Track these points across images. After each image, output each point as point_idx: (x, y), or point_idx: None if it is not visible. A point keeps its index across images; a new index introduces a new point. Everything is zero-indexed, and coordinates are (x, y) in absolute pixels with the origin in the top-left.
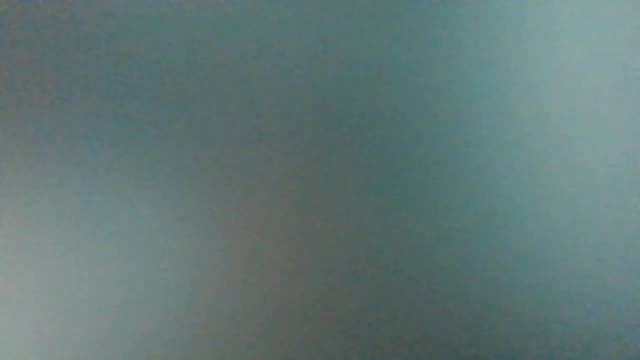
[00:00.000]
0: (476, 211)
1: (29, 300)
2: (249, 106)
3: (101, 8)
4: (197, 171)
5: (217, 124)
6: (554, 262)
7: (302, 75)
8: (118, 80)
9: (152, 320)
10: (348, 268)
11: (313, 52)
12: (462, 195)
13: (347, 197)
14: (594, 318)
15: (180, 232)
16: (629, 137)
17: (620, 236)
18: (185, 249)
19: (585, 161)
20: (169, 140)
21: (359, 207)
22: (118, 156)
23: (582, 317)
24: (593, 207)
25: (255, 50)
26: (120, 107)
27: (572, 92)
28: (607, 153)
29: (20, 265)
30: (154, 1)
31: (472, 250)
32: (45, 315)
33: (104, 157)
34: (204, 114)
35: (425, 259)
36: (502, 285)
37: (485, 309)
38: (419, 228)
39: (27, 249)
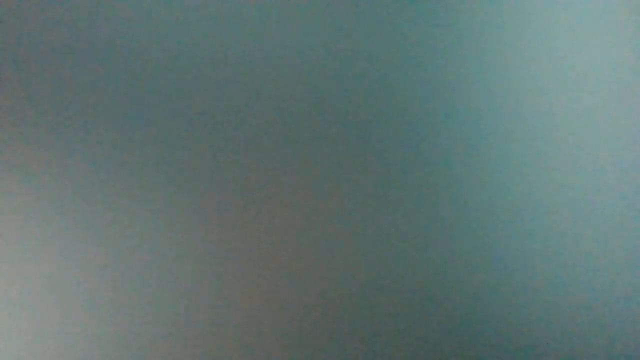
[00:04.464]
0: (477, 211)
1: (28, 300)
2: (249, 107)
3: (101, 8)
4: (197, 172)
5: (216, 125)
6: (555, 263)
7: (302, 75)
8: (119, 82)
9: (152, 321)
10: (348, 269)
11: (314, 53)
12: (463, 195)
13: (348, 198)
14: (594, 318)
15: (180, 233)
16: (629, 137)
17: (620, 236)
18: (185, 251)
19: (586, 161)
20: (170, 140)
21: (359, 207)
22: (118, 157)
23: (582, 317)
24: (593, 206)
25: (258, 50)
26: (121, 108)
27: (572, 92)
28: (607, 153)
29: (20, 266)
30: (153, 1)
31: (473, 250)
32: (45, 315)
33: (103, 157)
34: (205, 114)
35: (426, 259)
36: (502, 285)
37: (486, 308)
38: (419, 228)
39: (27, 249)
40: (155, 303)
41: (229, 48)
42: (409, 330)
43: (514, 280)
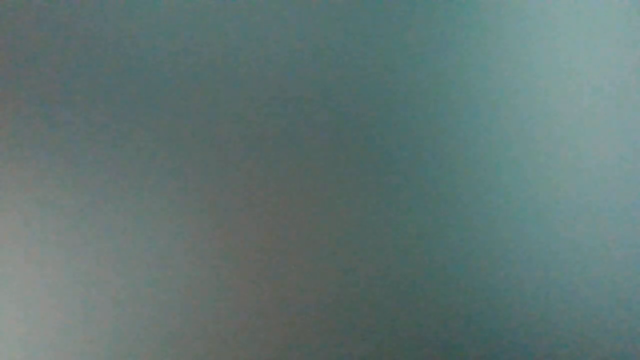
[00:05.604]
0: (477, 211)
1: (28, 300)
2: (252, 106)
3: (101, 8)
4: (199, 172)
5: (218, 124)
6: (555, 263)
7: (303, 75)
8: (120, 82)
9: (152, 321)
10: (349, 268)
11: (316, 53)
12: (464, 195)
13: (349, 197)
14: (594, 318)
15: (181, 233)
16: (629, 137)
17: (620, 236)
18: (186, 251)
19: (585, 161)
20: (171, 140)
21: (361, 207)
22: (119, 157)
23: (581, 317)
24: (593, 206)
25: (260, 49)
26: (123, 108)
27: (572, 92)
28: (607, 153)
29: (20, 266)
30: (153, 1)
31: (474, 250)
32: (44, 315)
33: (104, 158)
34: (207, 113)
35: (427, 259)
36: (502, 285)
37: (486, 308)
38: (420, 228)
39: (27, 249)
40: (156, 303)
41: (231, 48)
42: (409, 330)
43: (514, 280)
